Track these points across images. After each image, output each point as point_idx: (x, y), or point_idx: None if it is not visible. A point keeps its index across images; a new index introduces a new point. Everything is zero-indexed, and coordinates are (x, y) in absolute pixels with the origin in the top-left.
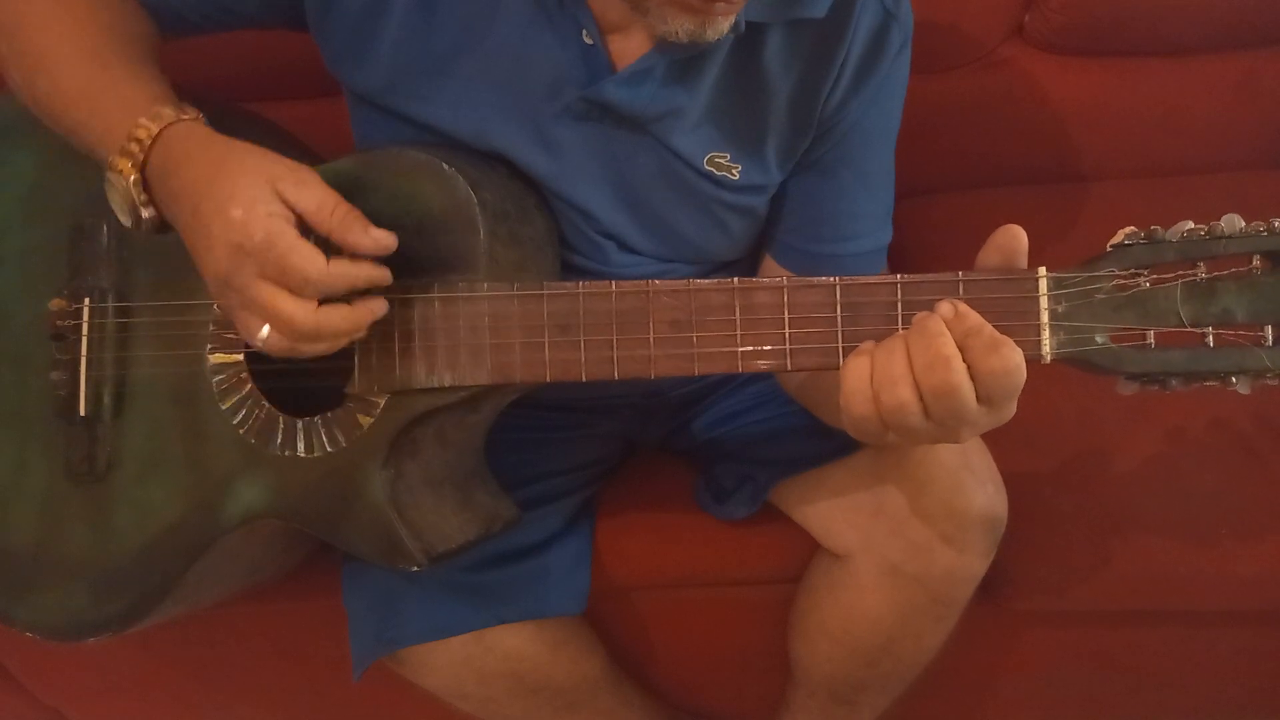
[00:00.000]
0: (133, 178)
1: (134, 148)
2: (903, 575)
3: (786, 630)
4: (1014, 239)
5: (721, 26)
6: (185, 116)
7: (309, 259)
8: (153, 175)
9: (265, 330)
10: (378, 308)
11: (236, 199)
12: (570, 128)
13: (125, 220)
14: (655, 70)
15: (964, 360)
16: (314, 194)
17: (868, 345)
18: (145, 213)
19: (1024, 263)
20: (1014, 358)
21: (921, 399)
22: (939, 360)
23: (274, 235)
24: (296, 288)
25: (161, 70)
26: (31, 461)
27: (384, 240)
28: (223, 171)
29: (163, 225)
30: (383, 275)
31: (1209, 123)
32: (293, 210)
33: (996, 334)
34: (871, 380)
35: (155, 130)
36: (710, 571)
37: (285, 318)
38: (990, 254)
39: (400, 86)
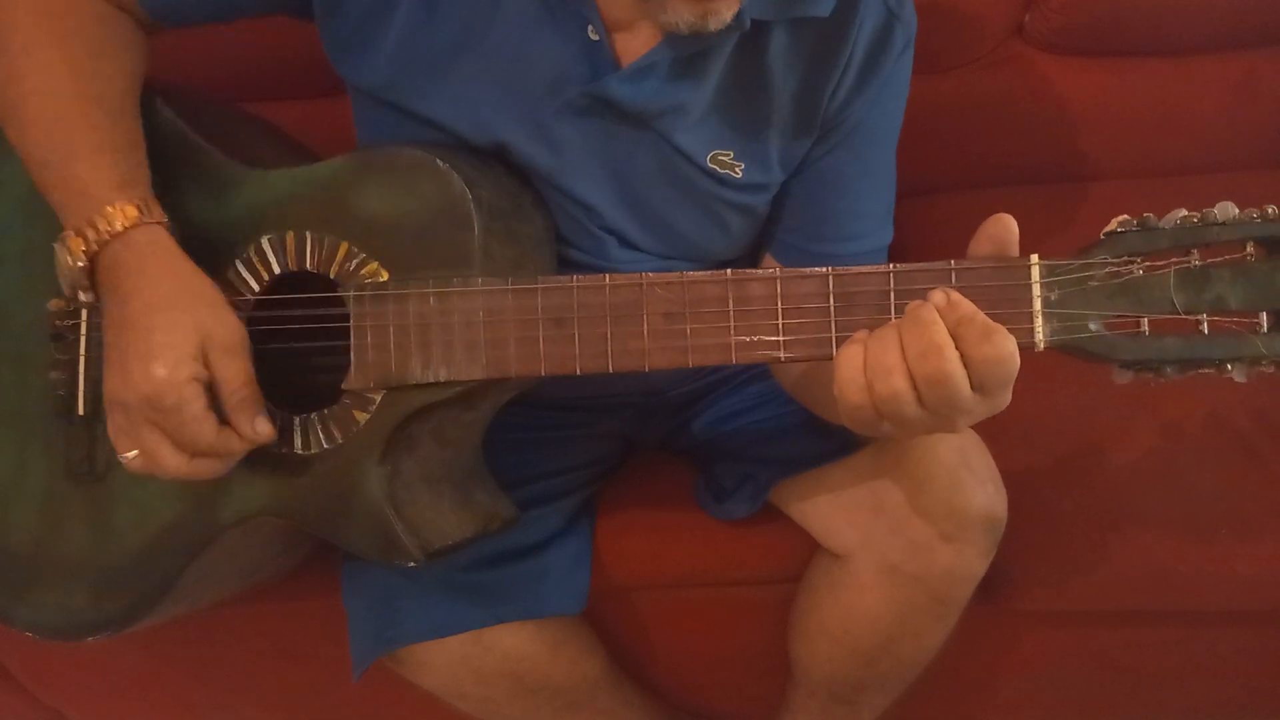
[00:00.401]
0: (81, 264)
1: (90, 234)
2: (902, 574)
3: (786, 630)
4: (1005, 229)
5: (724, 16)
6: (149, 219)
7: (205, 431)
8: (102, 270)
9: (132, 454)
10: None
11: (166, 354)
12: (571, 124)
13: (65, 290)
14: (659, 66)
15: (957, 348)
16: (231, 368)
17: (861, 334)
18: (84, 297)
19: (1015, 252)
20: (1007, 345)
21: (915, 387)
22: (932, 348)
23: (185, 403)
24: (181, 446)
25: (139, 132)
26: (31, 461)
27: (264, 435)
28: (162, 312)
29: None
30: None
31: (1209, 123)
32: (210, 372)
33: (989, 321)
34: (865, 369)
35: (117, 228)
36: (710, 571)
37: (161, 463)
38: (981, 244)
39: (401, 83)
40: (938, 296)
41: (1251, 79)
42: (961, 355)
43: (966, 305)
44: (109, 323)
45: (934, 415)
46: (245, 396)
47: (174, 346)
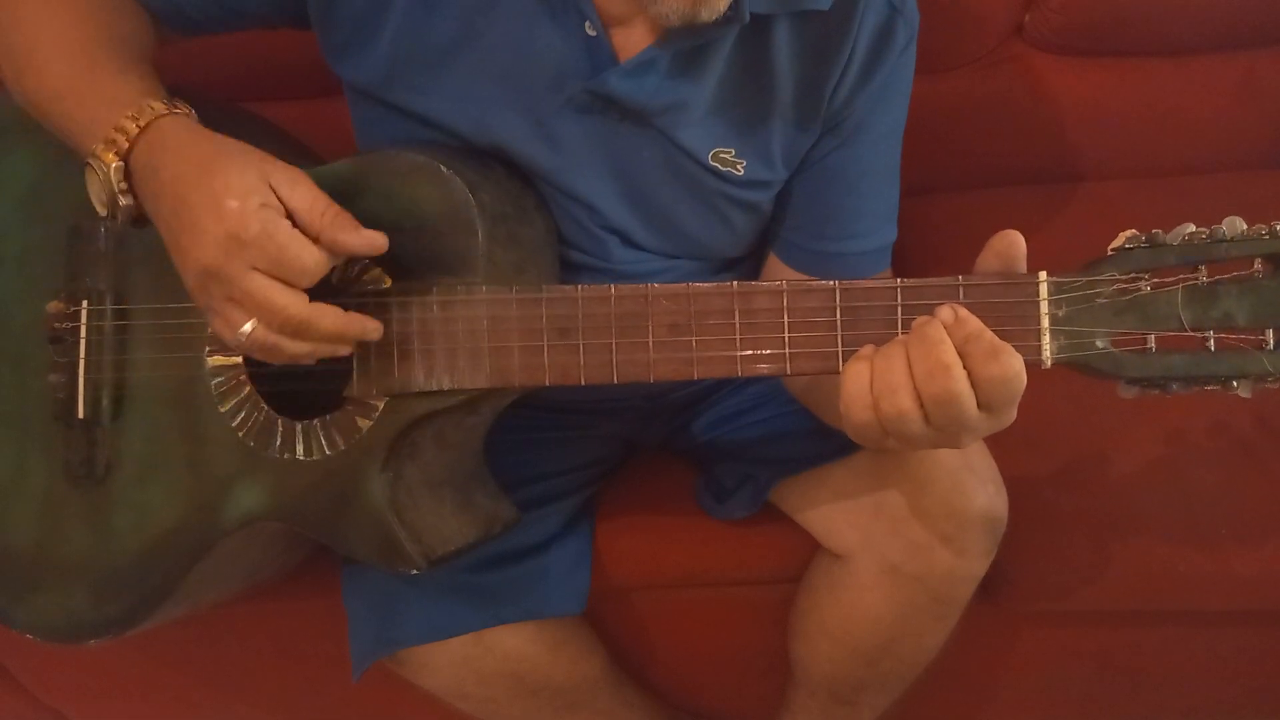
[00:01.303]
0: (114, 164)
1: (119, 138)
2: (903, 575)
3: (786, 630)
4: (1013, 245)
5: (717, 6)
6: (176, 110)
7: (307, 249)
8: (137, 166)
9: (250, 326)
10: (371, 327)
11: (231, 190)
12: (573, 121)
13: (101, 210)
14: (659, 62)
15: (964, 367)
16: (307, 192)
17: (867, 351)
18: (124, 200)
19: (1023, 268)
20: (1014, 364)
21: (922, 406)
22: (939, 368)
23: (270, 226)
24: (291, 279)
25: (155, 70)
26: (31, 463)
27: (376, 240)
28: (215, 163)
29: (140, 218)
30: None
31: (1209, 123)
32: (284, 206)
33: (996, 340)
34: (871, 388)
35: (144, 122)
36: (710, 571)
37: (278, 308)
38: (989, 259)
39: (398, 80)
40: (945, 313)
41: (1251, 79)
42: (968, 374)
43: (974, 322)
44: (163, 210)
45: (940, 433)
46: (335, 213)
47: (237, 180)
